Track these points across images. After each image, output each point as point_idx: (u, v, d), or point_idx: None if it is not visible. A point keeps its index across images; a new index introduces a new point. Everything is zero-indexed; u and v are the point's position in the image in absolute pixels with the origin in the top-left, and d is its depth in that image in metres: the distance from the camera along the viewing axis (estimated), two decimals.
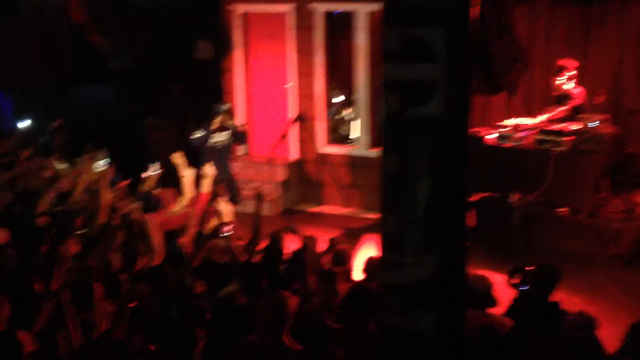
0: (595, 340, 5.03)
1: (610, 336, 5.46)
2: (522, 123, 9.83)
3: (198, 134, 10.02)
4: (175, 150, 9.85)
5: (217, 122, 10.13)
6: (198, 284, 5.68)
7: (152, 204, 8.15)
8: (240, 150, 12.36)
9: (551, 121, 9.71)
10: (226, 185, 10.30)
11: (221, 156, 10.19)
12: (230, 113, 10.30)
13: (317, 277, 5.97)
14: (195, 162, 10.28)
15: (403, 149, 4.29)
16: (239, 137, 10.42)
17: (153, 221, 7.60)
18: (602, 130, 9.20)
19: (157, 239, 7.27)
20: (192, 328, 4.73)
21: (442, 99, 4.13)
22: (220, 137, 10.13)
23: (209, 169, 8.77)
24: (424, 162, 4.21)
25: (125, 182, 8.62)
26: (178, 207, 8.29)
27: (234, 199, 10.38)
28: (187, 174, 8.50)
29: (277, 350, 4.69)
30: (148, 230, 7.28)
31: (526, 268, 5.81)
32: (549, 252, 8.98)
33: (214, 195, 8.12)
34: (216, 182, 10.15)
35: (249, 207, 10.11)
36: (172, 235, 7.25)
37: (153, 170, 8.80)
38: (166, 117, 13.16)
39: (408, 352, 4.26)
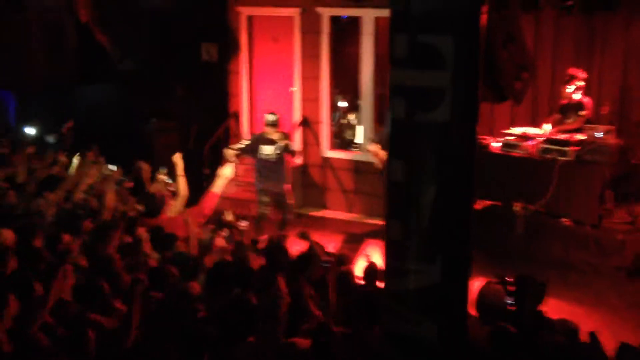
0: (579, 346, 5.01)
1: (611, 347, 5.45)
2: (528, 132, 9.82)
3: (240, 145, 9.91)
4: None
5: (267, 134, 9.99)
6: (195, 286, 5.64)
7: (155, 206, 8.14)
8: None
9: (560, 131, 9.69)
10: (277, 202, 10.18)
11: (272, 170, 10.03)
12: (276, 124, 10.11)
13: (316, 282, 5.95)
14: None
15: (409, 155, 4.26)
16: (288, 149, 10.17)
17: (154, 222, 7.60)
18: (607, 141, 9.19)
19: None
20: (193, 331, 4.72)
21: (450, 106, 4.10)
22: (267, 150, 9.98)
23: (227, 170, 8.75)
24: (430, 169, 4.18)
25: (130, 184, 8.62)
26: (177, 206, 8.26)
27: (284, 219, 10.24)
28: (183, 176, 8.49)
29: (276, 352, 4.68)
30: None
31: (506, 279, 5.77)
32: (551, 262, 8.99)
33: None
34: (268, 196, 10.13)
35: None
36: (172, 237, 7.21)
37: (162, 175, 8.79)
38: (171, 119, 13.19)
39: (409, 357, 4.23)
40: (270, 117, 10.12)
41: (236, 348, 4.73)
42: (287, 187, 10.33)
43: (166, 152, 11.66)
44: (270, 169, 10.01)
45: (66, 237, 6.67)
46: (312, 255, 6.46)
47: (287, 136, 10.24)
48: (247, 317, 4.97)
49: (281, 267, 6.13)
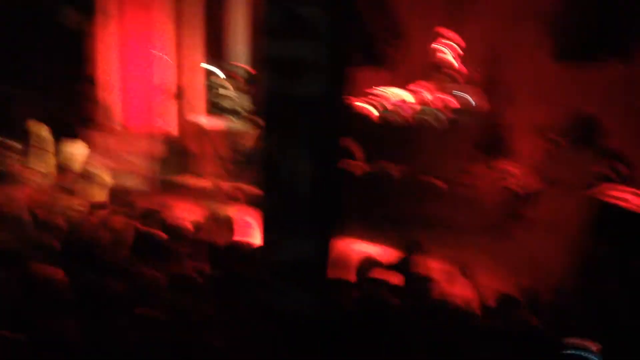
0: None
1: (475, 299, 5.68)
2: (398, 95, 9.99)
3: None
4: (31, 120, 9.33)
5: None
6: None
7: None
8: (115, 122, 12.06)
9: (427, 93, 9.92)
10: None
11: None
12: None
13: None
14: None
15: (282, 127, 4.25)
16: None
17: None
18: (474, 103, 9.48)
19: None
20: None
21: (323, 78, 4.11)
22: None
23: (81, 146, 8.32)
24: (303, 141, 4.19)
25: None
26: (32, 181, 7.91)
27: None
28: (41, 145, 8.10)
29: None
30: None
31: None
32: (421, 221, 9.22)
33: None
34: None
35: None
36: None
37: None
38: (22, 85, 12.46)
39: (286, 331, 4.24)
40: None
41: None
42: None
43: (15, 121, 11.00)
44: None
45: None
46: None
47: None
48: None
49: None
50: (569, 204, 8.87)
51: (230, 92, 12.16)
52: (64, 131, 10.91)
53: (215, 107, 12.21)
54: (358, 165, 9.87)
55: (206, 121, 11.89)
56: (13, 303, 4.87)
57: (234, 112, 12.02)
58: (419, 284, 5.69)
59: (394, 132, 9.80)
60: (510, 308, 5.19)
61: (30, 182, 7.89)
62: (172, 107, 11.87)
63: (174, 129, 11.96)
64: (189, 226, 6.75)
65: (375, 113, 9.97)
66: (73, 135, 10.37)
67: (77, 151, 8.18)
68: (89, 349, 4.45)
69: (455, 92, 9.74)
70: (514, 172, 9.69)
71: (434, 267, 6.61)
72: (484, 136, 9.57)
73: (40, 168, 8.17)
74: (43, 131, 8.14)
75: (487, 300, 5.46)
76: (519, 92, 10.15)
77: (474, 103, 9.43)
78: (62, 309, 4.81)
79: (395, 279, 5.67)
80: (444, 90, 10.01)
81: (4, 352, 4.17)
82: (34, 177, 7.98)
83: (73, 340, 4.47)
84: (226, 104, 12.27)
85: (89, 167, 8.11)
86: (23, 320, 4.56)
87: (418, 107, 9.74)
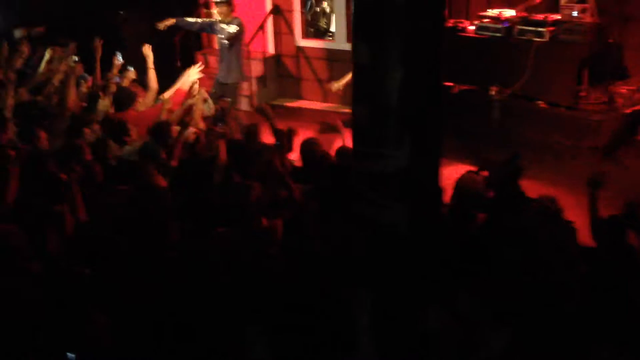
0: (559, 220, 5.07)
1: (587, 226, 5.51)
2: (504, 13, 9.62)
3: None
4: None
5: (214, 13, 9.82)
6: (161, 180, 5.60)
7: (126, 100, 8.01)
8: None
9: (531, 10, 9.50)
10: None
11: (222, 55, 9.82)
12: (229, 4, 9.70)
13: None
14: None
15: (374, 37, 4.12)
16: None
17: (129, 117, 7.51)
18: (583, 19, 9.02)
19: (134, 134, 7.17)
20: (163, 222, 4.70)
21: None
22: (221, 32, 9.71)
23: (195, 68, 8.53)
24: (396, 51, 4.04)
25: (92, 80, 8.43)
26: (147, 100, 8.12)
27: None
28: (153, 68, 8.34)
29: (249, 239, 4.70)
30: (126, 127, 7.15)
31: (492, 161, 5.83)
32: (527, 145, 8.96)
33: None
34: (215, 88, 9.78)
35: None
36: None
37: (117, 63, 8.60)
38: (140, 9, 12.74)
39: (379, 243, 4.20)
40: None
41: (206, 239, 4.72)
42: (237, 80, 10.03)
43: (136, 44, 11.26)
44: (221, 55, 9.86)
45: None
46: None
47: (237, 21, 9.79)
48: (213, 210, 4.96)
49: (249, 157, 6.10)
50: None
51: (327, 12, 12.03)
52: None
53: (313, 28, 12.11)
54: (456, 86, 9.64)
55: (305, 42, 11.82)
56: None
57: (331, 32, 11.90)
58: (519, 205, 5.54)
59: (493, 49, 9.46)
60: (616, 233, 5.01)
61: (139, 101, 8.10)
62: (272, 28, 11.83)
63: (273, 50, 11.94)
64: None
65: (473, 29, 9.65)
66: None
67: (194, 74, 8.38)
68: None
69: (560, 7, 9.27)
70: (626, 93, 9.26)
71: (535, 189, 6.44)
72: (593, 54, 9.11)
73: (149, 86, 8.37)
74: (149, 51, 8.34)
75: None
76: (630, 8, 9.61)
77: (580, 18, 8.95)
78: None
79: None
80: (547, 5, 9.54)
81: None
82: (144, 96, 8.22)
83: None
84: (325, 24, 12.16)
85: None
86: None
87: (518, 23, 9.32)
